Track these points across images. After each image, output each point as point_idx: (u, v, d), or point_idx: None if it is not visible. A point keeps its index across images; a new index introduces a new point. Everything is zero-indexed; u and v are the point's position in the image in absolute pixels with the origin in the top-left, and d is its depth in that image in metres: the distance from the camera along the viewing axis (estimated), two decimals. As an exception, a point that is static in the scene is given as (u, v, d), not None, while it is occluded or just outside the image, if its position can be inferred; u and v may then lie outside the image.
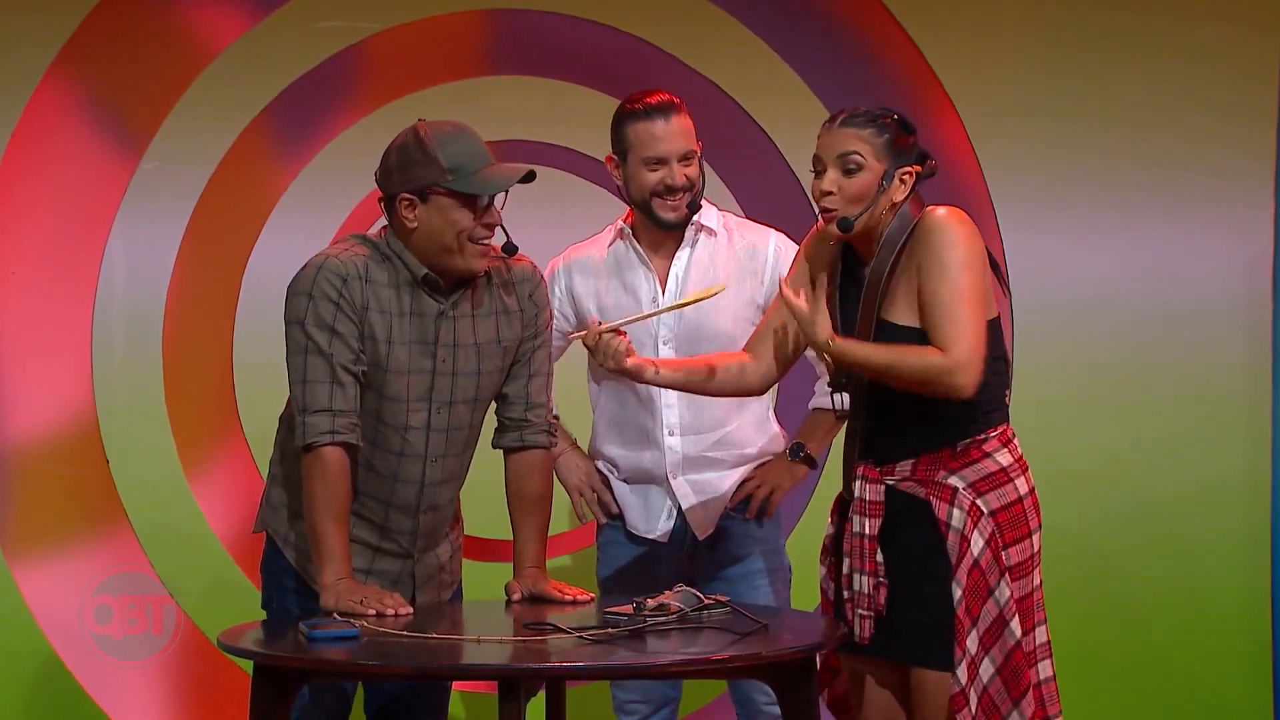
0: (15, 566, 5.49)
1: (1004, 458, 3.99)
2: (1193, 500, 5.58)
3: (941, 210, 3.97)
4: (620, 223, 4.70)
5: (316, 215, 5.49)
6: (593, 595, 4.21)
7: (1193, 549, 5.58)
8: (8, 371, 5.51)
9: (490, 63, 5.57)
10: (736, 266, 4.61)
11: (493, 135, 4.14)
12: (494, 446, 4.26)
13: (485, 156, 4.06)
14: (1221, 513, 5.58)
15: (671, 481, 4.65)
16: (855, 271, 4.05)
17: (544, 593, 4.16)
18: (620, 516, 4.71)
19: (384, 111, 5.47)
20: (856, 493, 4.02)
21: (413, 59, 5.54)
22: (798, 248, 4.25)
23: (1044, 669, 4.01)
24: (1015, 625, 3.92)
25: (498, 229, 4.09)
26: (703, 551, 4.69)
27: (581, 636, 3.75)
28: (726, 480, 4.67)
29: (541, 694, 4.13)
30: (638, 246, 4.65)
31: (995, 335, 4.00)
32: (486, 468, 4.28)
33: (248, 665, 3.87)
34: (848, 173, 3.97)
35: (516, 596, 4.17)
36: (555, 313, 4.55)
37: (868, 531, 4.00)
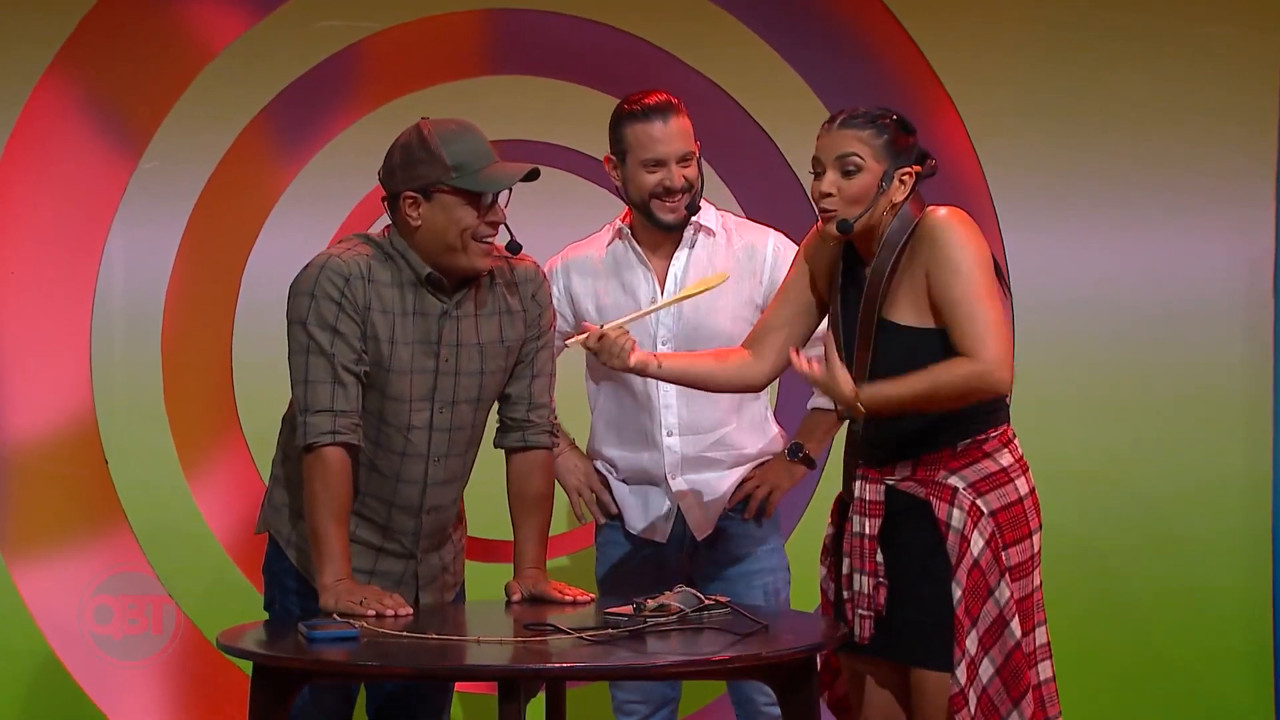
0: (14, 567, 5.48)
1: (1004, 458, 3.99)
2: (1193, 500, 5.58)
3: (943, 211, 3.97)
4: (619, 222, 4.69)
5: (316, 215, 5.48)
6: (593, 596, 4.21)
7: (1193, 549, 5.58)
8: (7, 371, 5.50)
9: (490, 62, 5.56)
10: (735, 266, 4.60)
11: (493, 135, 4.13)
12: (496, 446, 4.26)
13: (489, 154, 4.05)
14: (1222, 513, 5.58)
15: (670, 482, 4.64)
16: (856, 272, 4.04)
17: (544, 593, 4.15)
18: (619, 517, 4.71)
19: (384, 111, 5.46)
20: (857, 493, 4.01)
21: (412, 59, 5.54)
22: (797, 248, 4.25)
23: (1044, 669, 4.01)
24: (1015, 626, 3.91)
25: (501, 228, 4.09)
26: (702, 552, 4.69)
27: (581, 637, 3.75)
28: (725, 481, 4.67)
29: (541, 695, 4.13)
30: (636, 246, 4.65)
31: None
32: (487, 468, 4.28)
33: (247, 666, 3.86)
34: (847, 174, 3.97)
35: (516, 597, 4.17)
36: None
37: (868, 531, 3.99)
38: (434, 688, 4.28)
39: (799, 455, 4.68)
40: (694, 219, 4.61)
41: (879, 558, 3.99)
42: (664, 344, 4.57)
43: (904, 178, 3.98)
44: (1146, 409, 5.60)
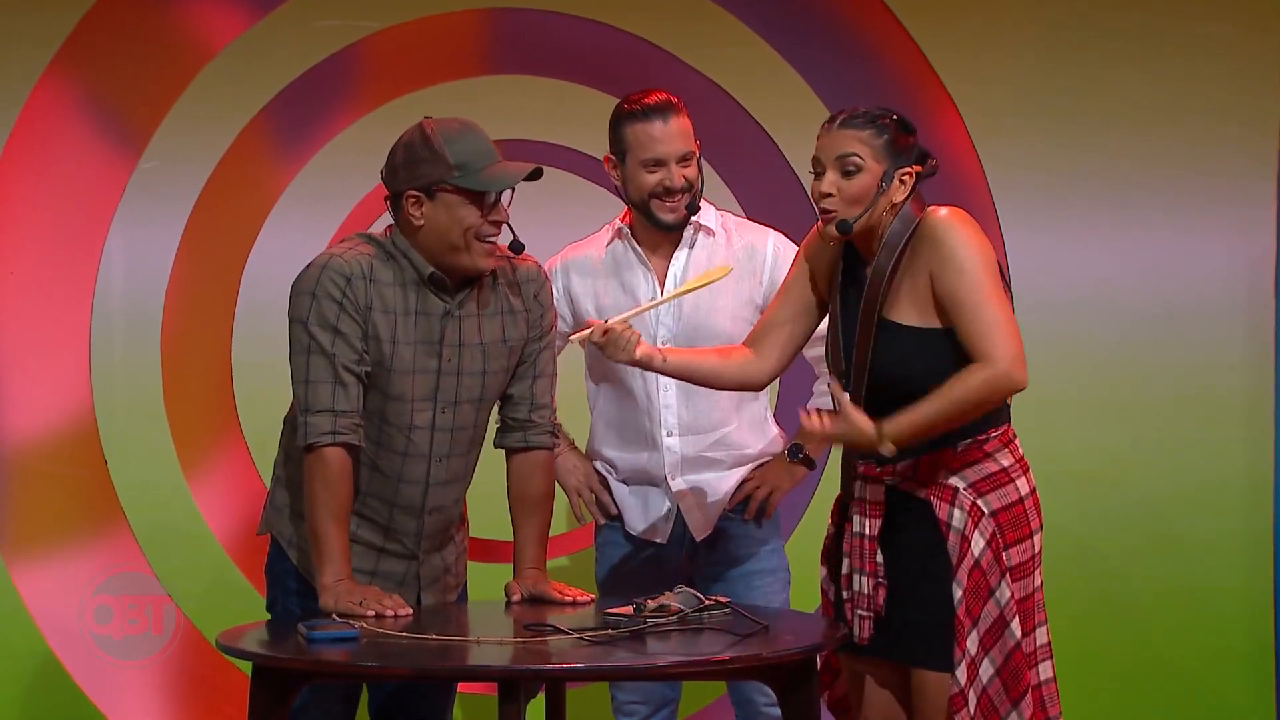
0: (14, 567, 5.48)
1: (1005, 458, 3.99)
2: (1194, 500, 5.58)
3: (944, 211, 3.96)
4: (618, 222, 4.69)
5: (316, 215, 5.48)
6: (593, 596, 4.21)
7: (1194, 549, 5.58)
8: (6, 371, 5.50)
9: (490, 62, 5.56)
10: (735, 266, 4.60)
11: (493, 135, 4.13)
12: (496, 446, 4.26)
13: (492, 154, 4.05)
14: (1223, 513, 5.58)
15: (670, 482, 4.64)
16: (856, 271, 4.04)
17: (544, 594, 4.15)
18: (619, 517, 4.70)
19: (383, 111, 5.46)
20: (857, 493, 4.01)
21: (412, 58, 5.54)
22: (797, 248, 4.24)
23: (1044, 670, 4.00)
24: (1015, 626, 3.91)
25: (504, 227, 4.09)
26: (702, 552, 4.68)
27: (581, 638, 3.75)
28: (725, 481, 4.66)
29: (541, 695, 4.12)
30: (636, 246, 4.64)
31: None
32: (487, 468, 4.27)
33: (247, 666, 3.86)
34: (847, 174, 3.96)
35: (516, 597, 4.16)
36: (553, 313, 4.55)
37: (868, 532, 3.99)
38: (436, 688, 4.27)
39: (799, 456, 4.68)
40: (694, 219, 4.61)
41: (879, 558, 3.98)
42: (664, 343, 4.56)
43: (904, 178, 3.97)
44: (1147, 409, 5.59)
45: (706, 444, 4.64)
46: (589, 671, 3.87)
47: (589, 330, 4.17)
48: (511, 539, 4.25)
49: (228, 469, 5.56)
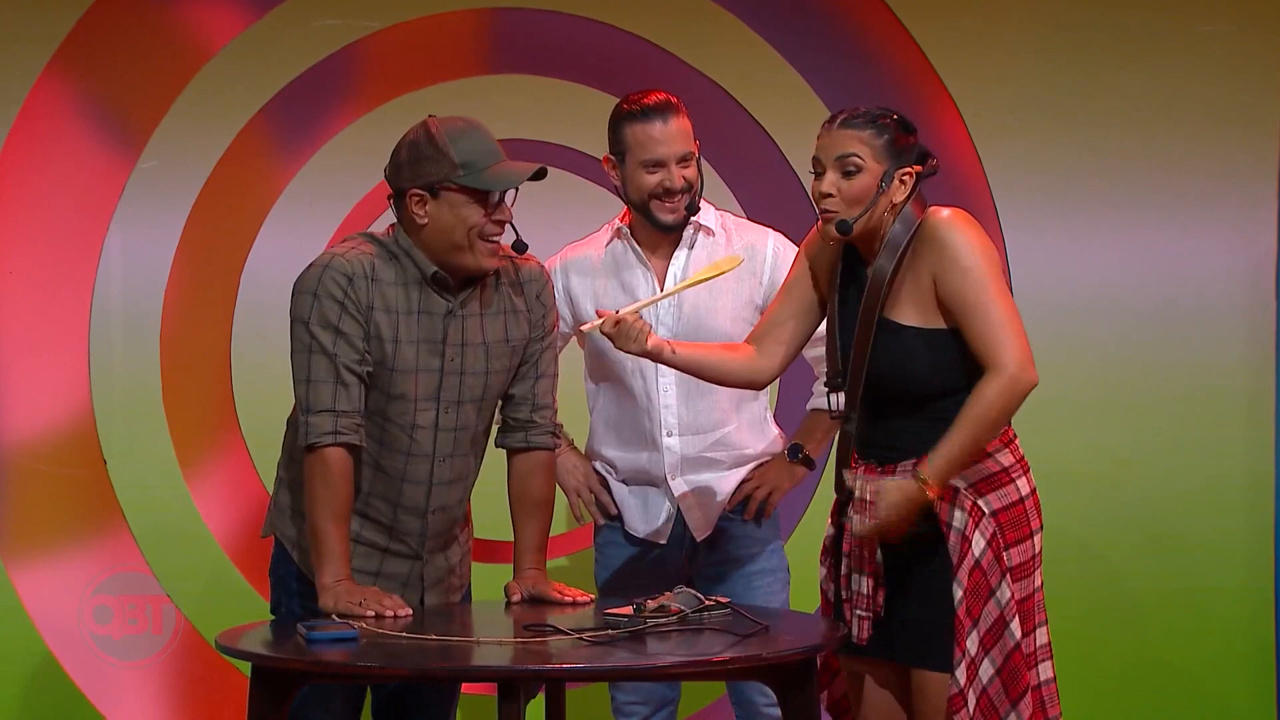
0: (12, 567, 5.47)
1: (1005, 458, 3.98)
2: (1195, 501, 5.58)
3: (946, 212, 3.95)
4: (617, 222, 4.68)
5: (315, 215, 5.48)
6: (593, 597, 4.20)
7: (1195, 550, 5.57)
8: (5, 371, 5.50)
9: (490, 61, 5.55)
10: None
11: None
12: (498, 446, 4.26)
13: (497, 152, 4.04)
14: (1224, 514, 5.58)
15: (670, 482, 4.63)
16: (856, 271, 4.03)
17: (544, 594, 4.15)
18: (618, 517, 4.70)
19: (383, 111, 5.46)
20: (857, 493, 4.00)
21: (412, 58, 5.53)
22: (797, 248, 4.24)
23: (1044, 670, 4.00)
24: (1015, 626, 3.90)
25: (507, 227, 4.08)
26: (702, 552, 4.68)
27: (581, 638, 3.74)
28: (725, 481, 4.66)
29: (541, 695, 4.12)
30: (636, 246, 4.63)
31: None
32: (487, 469, 4.27)
33: (246, 667, 3.85)
34: (847, 174, 3.95)
35: (516, 598, 4.16)
36: (552, 313, 4.54)
37: (868, 532, 3.99)
38: (438, 688, 4.27)
39: (799, 456, 4.67)
40: (693, 219, 4.60)
41: (879, 558, 3.98)
42: (664, 342, 4.56)
43: (904, 178, 3.97)
44: (1148, 409, 5.59)
45: (706, 444, 4.63)
46: (589, 672, 3.86)
47: (599, 321, 4.15)
48: (510, 539, 4.25)
49: (227, 469, 5.55)
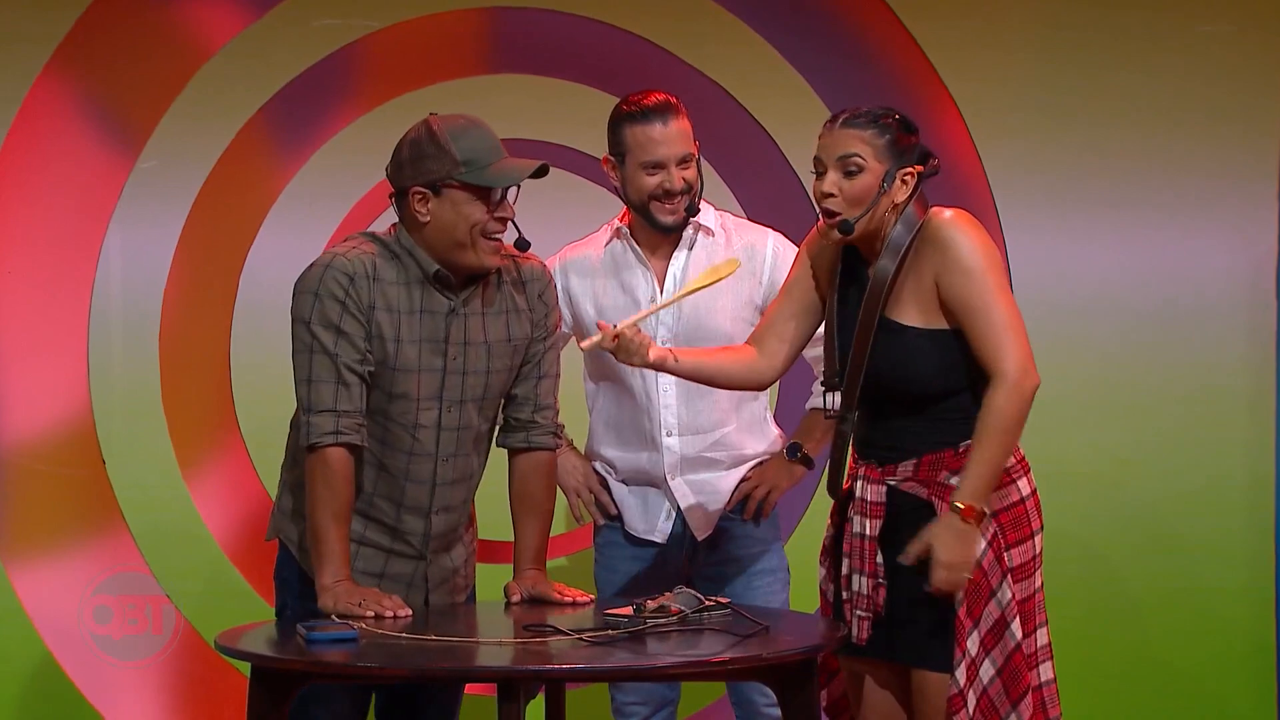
0: (11, 568, 5.47)
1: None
2: (1196, 501, 5.58)
3: (949, 213, 3.95)
4: (617, 222, 4.68)
5: (314, 214, 5.47)
6: (592, 597, 4.20)
7: (1196, 551, 5.57)
8: (4, 372, 5.49)
9: (490, 61, 5.55)
10: (735, 267, 4.59)
11: (493, 134, 4.13)
12: (499, 445, 4.25)
13: (498, 150, 4.04)
14: (1225, 514, 5.58)
15: (670, 482, 4.63)
16: (856, 271, 4.03)
17: (544, 594, 4.14)
18: (618, 518, 4.69)
19: (383, 111, 5.45)
20: (858, 493, 4.00)
21: (411, 57, 5.53)
22: (797, 248, 4.23)
23: (1045, 671, 4.00)
24: (1016, 627, 3.90)
25: (510, 224, 4.07)
26: (702, 552, 4.67)
27: (581, 638, 3.74)
28: (725, 481, 4.66)
29: (541, 696, 4.11)
30: (635, 246, 4.63)
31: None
32: (487, 469, 4.26)
33: (246, 667, 3.85)
34: (848, 174, 3.95)
35: (516, 598, 4.15)
36: (552, 313, 4.54)
37: (868, 532, 3.98)
38: (441, 689, 4.26)
39: (798, 455, 4.67)
40: (693, 219, 4.59)
41: (879, 559, 3.97)
42: (664, 344, 4.55)
43: (906, 178, 3.96)
44: (1148, 410, 5.59)
45: (706, 444, 4.63)
46: (589, 672, 3.86)
47: (599, 337, 4.14)
48: (510, 539, 4.24)
49: (226, 469, 5.55)
